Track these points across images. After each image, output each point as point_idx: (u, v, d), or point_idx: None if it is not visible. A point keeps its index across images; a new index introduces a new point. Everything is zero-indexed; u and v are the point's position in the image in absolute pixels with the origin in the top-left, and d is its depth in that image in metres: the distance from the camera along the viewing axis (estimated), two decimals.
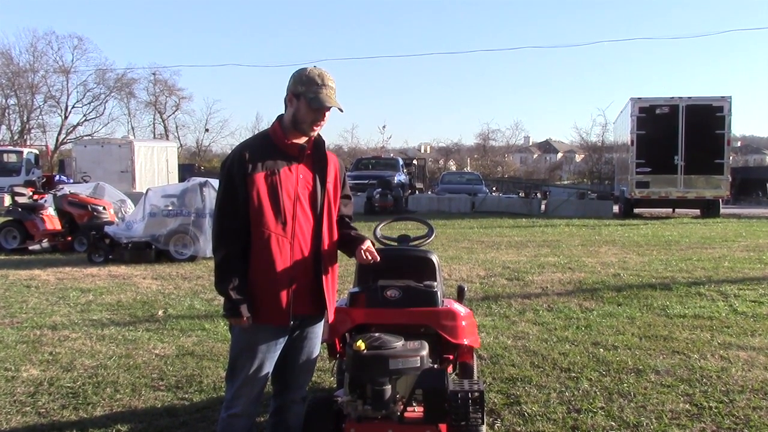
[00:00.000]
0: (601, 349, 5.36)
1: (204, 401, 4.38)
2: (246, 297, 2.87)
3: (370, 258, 2.99)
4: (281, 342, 2.96)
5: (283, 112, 3.00)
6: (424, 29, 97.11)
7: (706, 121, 19.48)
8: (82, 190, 13.65)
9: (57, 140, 47.17)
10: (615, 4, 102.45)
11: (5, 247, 12.31)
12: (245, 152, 2.91)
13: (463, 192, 24.74)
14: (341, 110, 2.94)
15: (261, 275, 2.88)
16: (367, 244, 3.03)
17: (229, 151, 3.15)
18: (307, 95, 2.86)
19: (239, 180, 2.86)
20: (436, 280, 3.58)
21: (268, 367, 2.96)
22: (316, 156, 3.00)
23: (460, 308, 3.55)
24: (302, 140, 2.96)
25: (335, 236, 3.07)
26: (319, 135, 3.02)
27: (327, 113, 2.93)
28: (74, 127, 48.74)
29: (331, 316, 3.09)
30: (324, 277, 2.97)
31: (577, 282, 8.28)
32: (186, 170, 33.53)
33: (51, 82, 47.50)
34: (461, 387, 3.05)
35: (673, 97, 20.04)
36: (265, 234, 2.86)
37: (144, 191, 11.91)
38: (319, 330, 3.11)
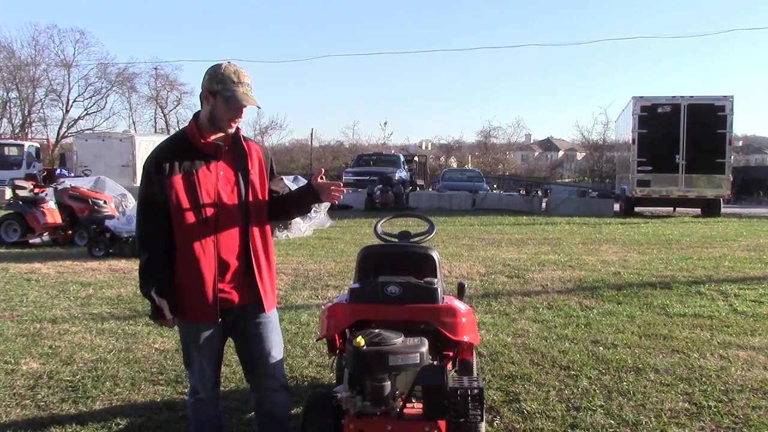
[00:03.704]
0: (601, 348, 5.36)
1: None
2: (170, 298, 2.94)
3: (338, 194, 3.04)
4: (217, 336, 3.03)
5: (199, 110, 3.01)
6: (427, 26, 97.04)
7: (707, 120, 19.45)
8: (83, 184, 13.66)
9: (58, 134, 47.23)
10: (618, 2, 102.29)
11: (6, 241, 12.31)
12: (161, 155, 2.95)
13: (464, 189, 24.71)
14: (259, 107, 2.96)
15: (186, 275, 2.93)
16: (320, 180, 3.05)
17: None
18: (223, 93, 2.88)
19: (157, 183, 2.90)
20: (436, 277, 3.58)
21: (214, 357, 3.07)
22: (235, 150, 3.02)
23: (460, 305, 3.55)
24: (219, 136, 2.98)
25: (268, 228, 3.11)
26: (236, 129, 3.04)
27: (244, 110, 2.95)
28: (75, 121, 48.84)
29: (269, 305, 3.08)
30: (257, 267, 3.01)
31: (577, 280, 8.28)
32: None
33: (52, 75, 47.60)
34: (461, 384, 3.05)
35: (674, 96, 20.01)
36: (186, 234, 2.91)
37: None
38: (271, 317, 3.12)
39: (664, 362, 4.97)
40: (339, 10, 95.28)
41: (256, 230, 3.03)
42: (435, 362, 3.25)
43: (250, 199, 3.00)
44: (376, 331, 3.04)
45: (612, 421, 3.91)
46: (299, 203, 3.18)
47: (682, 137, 19.61)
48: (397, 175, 23.74)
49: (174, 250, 2.94)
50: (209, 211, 2.91)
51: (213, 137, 2.97)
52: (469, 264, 9.51)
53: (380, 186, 21.71)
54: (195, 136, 2.97)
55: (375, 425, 2.96)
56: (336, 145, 55.88)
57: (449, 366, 3.58)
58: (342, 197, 3.11)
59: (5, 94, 46.25)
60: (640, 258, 10.21)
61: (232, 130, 2.98)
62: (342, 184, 3.10)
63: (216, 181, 2.95)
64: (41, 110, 48.01)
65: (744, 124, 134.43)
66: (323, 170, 3.13)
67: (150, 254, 2.95)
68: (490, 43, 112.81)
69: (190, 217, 2.90)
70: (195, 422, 3.15)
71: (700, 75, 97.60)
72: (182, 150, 2.96)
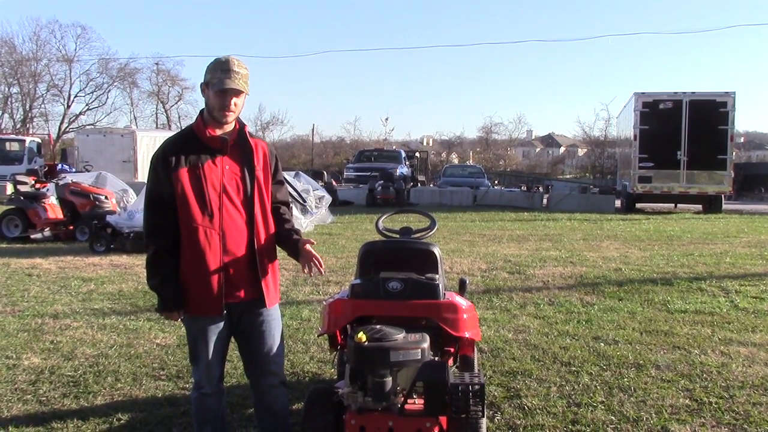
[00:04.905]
0: (602, 344, 5.36)
1: None
2: (177, 292, 2.95)
3: (316, 271, 3.08)
4: (223, 330, 3.04)
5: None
6: (428, 21, 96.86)
7: (709, 116, 19.41)
8: (85, 180, 13.66)
9: (59, 129, 47.27)
10: None
11: (7, 236, 12.33)
12: (168, 149, 2.98)
13: (466, 185, 24.68)
14: (242, 91, 2.94)
15: (191, 268, 2.95)
16: (308, 247, 3.07)
17: None
18: (212, 82, 2.91)
19: (164, 177, 2.94)
20: (437, 273, 3.58)
21: (220, 352, 3.08)
22: (241, 146, 3.04)
23: (461, 301, 3.55)
24: (225, 130, 3.00)
25: (271, 223, 3.13)
26: (242, 124, 3.06)
27: (236, 99, 2.95)
28: (77, 116, 48.89)
29: (271, 301, 3.09)
30: (260, 263, 3.02)
31: (578, 276, 8.28)
32: None
33: (54, 71, 47.64)
34: (462, 380, 3.05)
35: (676, 92, 19.98)
36: (192, 227, 2.92)
37: (146, 181, 11.90)
38: (273, 313, 3.14)
39: (665, 358, 4.98)
40: (340, 5, 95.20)
41: (260, 225, 3.05)
42: (436, 358, 3.25)
43: (256, 194, 3.02)
44: (378, 326, 3.05)
45: (613, 417, 3.91)
46: (280, 243, 3.20)
47: (683, 133, 19.58)
48: (398, 171, 23.70)
49: (179, 244, 2.96)
50: (214, 204, 2.93)
51: (219, 132, 2.99)
52: (471, 260, 9.50)
53: (381, 182, 21.67)
54: (201, 130, 2.99)
55: (376, 421, 2.97)
56: (337, 141, 55.98)
57: (450, 362, 3.58)
58: (316, 274, 3.14)
59: (7, 89, 46.33)
60: (641, 254, 10.20)
61: (227, 119, 2.97)
62: (323, 265, 3.12)
63: (222, 175, 2.96)
64: (42, 105, 48.11)
65: (746, 121, 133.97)
66: (314, 242, 3.12)
67: (157, 247, 2.97)
68: (492, 38, 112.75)
69: (196, 210, 2.91)
70: (197, 417, 3.17)
71: (701, 71, 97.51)
72: (188, 144, 2.98)
